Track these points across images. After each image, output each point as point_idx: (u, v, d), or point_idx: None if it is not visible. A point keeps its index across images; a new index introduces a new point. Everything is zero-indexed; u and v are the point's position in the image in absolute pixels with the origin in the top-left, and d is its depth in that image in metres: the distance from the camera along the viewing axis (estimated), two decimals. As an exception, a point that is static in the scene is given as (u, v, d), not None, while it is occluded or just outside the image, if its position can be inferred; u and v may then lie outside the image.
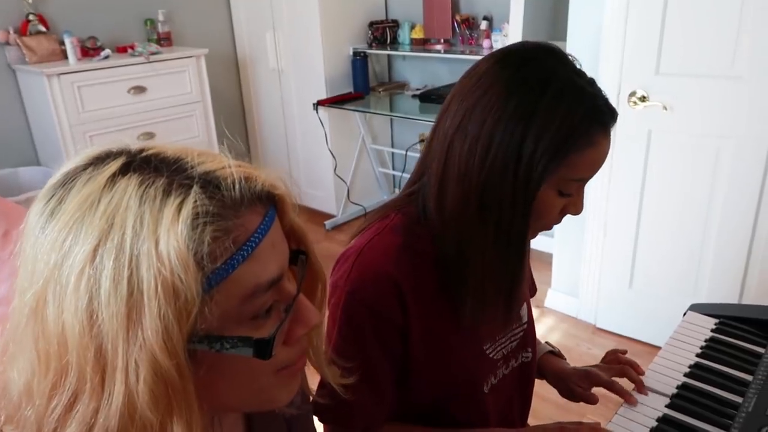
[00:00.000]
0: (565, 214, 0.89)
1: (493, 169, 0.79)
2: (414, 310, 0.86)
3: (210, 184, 0.47)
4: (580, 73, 0.83)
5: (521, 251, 0.86)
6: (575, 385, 1.08)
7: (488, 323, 0.92)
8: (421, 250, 0.87)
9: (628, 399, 1.00)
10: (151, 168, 0.47)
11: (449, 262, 0.87)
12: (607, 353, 1.13)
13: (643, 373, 1.06)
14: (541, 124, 0.77)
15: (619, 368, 1.07)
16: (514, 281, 0.88)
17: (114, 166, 0.47)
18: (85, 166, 0.48)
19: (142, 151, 0.49)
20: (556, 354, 1.17)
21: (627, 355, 1.11)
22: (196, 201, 0.45)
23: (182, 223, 0.43)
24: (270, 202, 0.51)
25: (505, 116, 0.78)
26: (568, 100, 0.78)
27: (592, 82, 0.83)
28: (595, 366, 1.10)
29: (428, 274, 0.88)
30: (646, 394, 1.01)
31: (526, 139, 0.78)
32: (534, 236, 0.92)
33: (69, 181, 0.47)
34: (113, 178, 0.46)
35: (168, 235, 0.43)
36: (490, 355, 0.97)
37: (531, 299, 1.17)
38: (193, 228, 0.44)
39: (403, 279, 0.85)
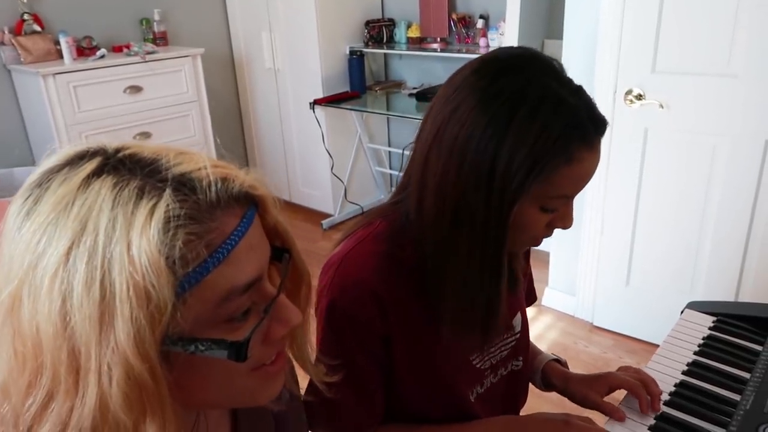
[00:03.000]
0: (553, 228, 0.84)
1: (467, 184, 0.76)
2: (395, 318, 0.85)
3: (184, 186, 0.46)
4: (564, 82, 0.76)
5: (497, 269, 0.81)
6: (592, 390, 1.00)
7: (466, 340, 0.89)
8: (403, 258, 0.85)
9: (616, 414, 0.95)
10: (126, 169, 0.46)
11: (428, 273, 0.85)
12: (620, 368, 1.06)
13: (661, 392, 0.99)
14: (514, 140, 0.73)
15: (639, 377, 0.99)
16: (490, 301, 0.83)
17: (89, 167, 0.46)
18: (62, 166, 0.48)
19: (118, 151, 0.49)
20: (561, 363, 1.12)
21: (625, 357, 1.08)
22: (168, 204, 0.44)
23: (154, 227, 0.43)
24: (249, 203, 0.50)
25: (478, 131, 0.74)
26: (544, 113, 0.73)
27: (576, 91, 0.77)
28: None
29: (410, 283, 0.86)
30: (658, 411, 0.96)
31: (500, 155, 0.73)
32: (521, 251, 0.89)
33: (45, 181, 0.47)
34: (88, 180, 0.46)
35: (140, 239, 0.43)
36: (477, 365, 0.96)
37: (530, 305, 1.15)
38: (164, 232, 0.43)
39: (383, 287, 0.84)
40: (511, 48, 0.83)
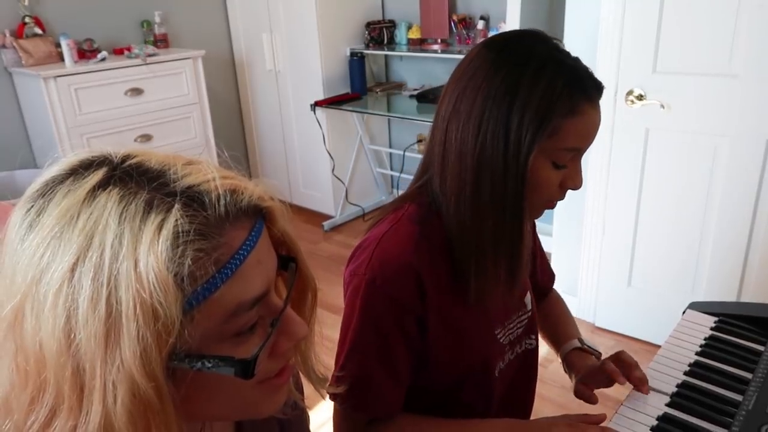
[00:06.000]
0: (566, 189, 0.90)
1: (485, 143, 0.83)
2: (432, 298, 0.89)
3: (193, 200, 0.45)
4: (562, 50, 0.87)
5: (519, 224, 0.88)
6: (580, 383, 1.06)
7: (492, 300, 0.93)
8: (435, 238, 0.90)
9: (641, 388, 0.98)
10: (133, 181, 0.45)
11: (454, 242, 0.89)
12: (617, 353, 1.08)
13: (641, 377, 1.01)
14: (524, 96, 0.82)
15: (606, 377, 1.01)
16: (514, 256, 0.90)
17: (95, 178, 0.45)
18: (66, 176, 0.46)
19: (124, 160, 0.47)
20: (585, 350, 1.13)
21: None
22: (177, 220, 0.43)
23: (162, 244, 0.42)
24: (257, 215, 0.50)
25: (492, 92, 0.83)
26: (548, 71, 0.83)
27: (574, 58, 0.87)
28: (594, 368, 1.06)
29: (443, 262, 0.90)
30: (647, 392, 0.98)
31: (513, 111, 0.82)
32: (538, 215, 0.94)
33: (49, 191, 0.46)
34: (93, 192, 0.44)
35: (147, 256, 0.42)
36: (501, 340, 1.00)
37: (552, 284, 1.23)
38: (173, 248, 0.42)
39: (423, 268, 0.88)
40: (516, 29, 0.92)
